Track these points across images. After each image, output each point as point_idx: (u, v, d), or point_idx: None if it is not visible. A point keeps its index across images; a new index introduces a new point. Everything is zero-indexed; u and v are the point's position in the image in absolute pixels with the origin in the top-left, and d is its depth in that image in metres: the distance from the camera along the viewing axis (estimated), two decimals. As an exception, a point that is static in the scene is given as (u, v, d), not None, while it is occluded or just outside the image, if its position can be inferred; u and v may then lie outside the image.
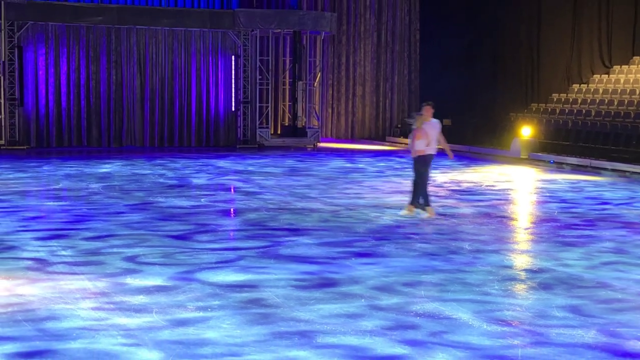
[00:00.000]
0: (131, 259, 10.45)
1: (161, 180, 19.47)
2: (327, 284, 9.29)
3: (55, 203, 15.77)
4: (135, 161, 24.02)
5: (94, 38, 28.81)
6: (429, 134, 14.19)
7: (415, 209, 14.18)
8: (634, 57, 30.13)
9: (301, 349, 6.95)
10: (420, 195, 14.12)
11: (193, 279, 9.40)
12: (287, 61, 31.89)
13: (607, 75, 29.90)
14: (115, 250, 10.99)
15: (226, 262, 10.37)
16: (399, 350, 6.99)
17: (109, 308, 8.13)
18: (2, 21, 27.25)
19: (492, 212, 14.99)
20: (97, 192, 17.10)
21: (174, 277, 9.44)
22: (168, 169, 21.93)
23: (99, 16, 28.40)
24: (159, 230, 12.56)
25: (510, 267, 10.59)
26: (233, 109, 30.13)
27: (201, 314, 7.98)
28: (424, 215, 14.00)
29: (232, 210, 15.38)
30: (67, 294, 8.65)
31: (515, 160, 25.13)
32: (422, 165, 14.15)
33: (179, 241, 11.76)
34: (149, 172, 21.22)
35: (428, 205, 14.10)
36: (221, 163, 23.88)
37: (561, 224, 13.68)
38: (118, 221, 13.39)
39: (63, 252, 10.84)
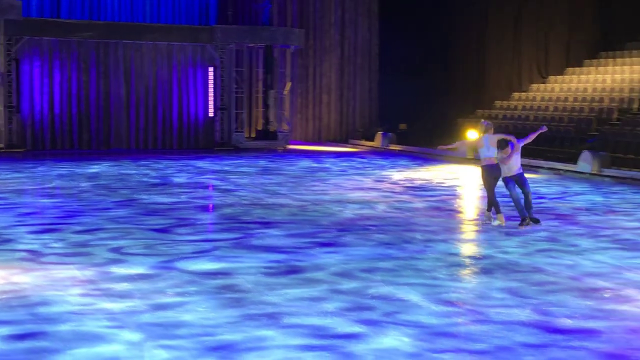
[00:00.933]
0: (116, 250, 10.39)
1: (145, 179, 19.35)
2: (293, 271, 9.29)
3: (49, 200, 15.62)
4: (121, 162, 23.84)
5: (84, 51, 28.57)
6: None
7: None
8: (567, 69, 30.48)
9: (269, 329, 6.95)
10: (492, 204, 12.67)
11: (172, 267, 9.36)
12: (260, 72, 31.78)
13: (544, 85, 30.19)
14: (102, 242, 10.91)
15: (203, 252, 10.34)
16: (357, 329, 7.01)
17: (96, 294, 8.08)
18: (1, 36, 26.94)
19: (442, 206, 15.07)
20: (86, 190, 16.96)
21: (155, 266, 9.40)
22: (152, 169, 21.80)
23: (89, 32, 28.21)
24: (142, 224, 12.48)
25: (456, 254, 10.67)
26: (211, 115, 30.02)
27: (179, 299, 7.95)
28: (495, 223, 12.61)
29: (209, 205, 15.34)
30: (57, 282, 8.58)
31: (463, 160, 25.22)
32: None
33: (161, 234, 11.71)
34: (134, 172, 21.07)
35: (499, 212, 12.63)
36: (200, 163, 23.78)
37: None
38: (105, 216, 13.29)
39: (55, 245, 10.75)
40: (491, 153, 12.58)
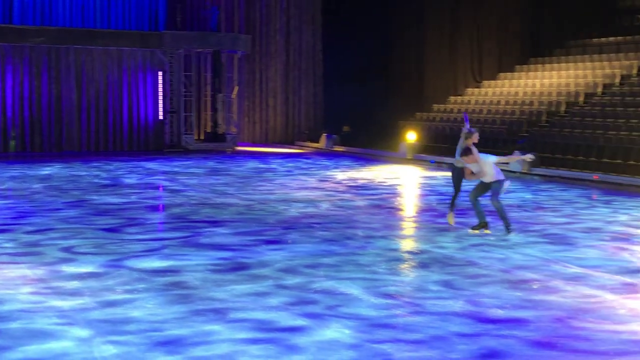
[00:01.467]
0: (67, 249, 10.22)
1: (96, 180, 19.07)
2: (239, 267, 9.26)
3: (1, 201, 15.28)
4: (73, 164, 23.45)
5: (36, 56, 28.06)
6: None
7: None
8: (500, 74, 30.96)
9: (215, 324, 6.91)
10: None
11: (122, 266, 9.24)
12: (208, 76, 31.59)
13: (478, 89, 30.61)
14: (53, 242, 10.72)
15: (152, 250, 10.23)
16: (300, 322, 7.02)
17: (46, 292, 7.93)
18: (-47, 42, 26.32)
19: (382, 204, 15.17)
20: (38, 191, 16.65)
21: (104, 265, 9.27)
22: (102, 171, 21.49)
23: (41, 37, 27.69)
24: (93, 224, 12.30)
25: (395, 249, 10.75)
26: (161, 117, 29.74)
27: (128, 296, 7.86)
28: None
29: (158, 205, 15.18)
30: (8, 281, 8.41)
31: (403, 160, 25.46)
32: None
33: (110, 233, 11.55)
34: (85, 173, 20.75)
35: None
36: (150, 165, 23.52)
37: (438, 213, 13.92)
38: (56, 217, 13.06)
39: (6, 245, 10.53)
40: None
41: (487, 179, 11.57)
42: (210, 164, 24.20)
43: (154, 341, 6.42)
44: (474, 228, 11.77)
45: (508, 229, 11.58)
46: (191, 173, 21.11)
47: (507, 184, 11.65)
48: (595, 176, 19.21)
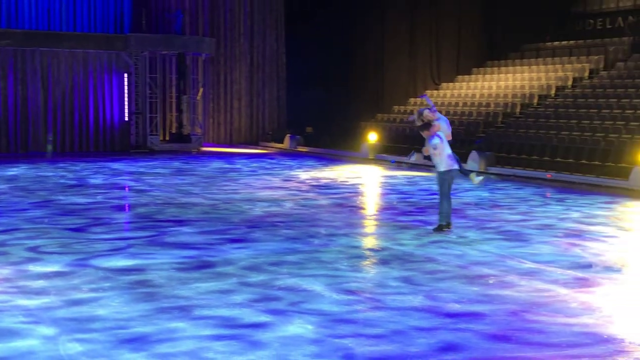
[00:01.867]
0: (33, 249, 10.07)
1: (62, 181, 18.82)
2: (204, 265, 9.21)
3: (-34, 202, 15.02)
4: (39, 165, 23.12)
5: (2, 58, 27.58)
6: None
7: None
8: (458, 77, 31.24)
9: (180, 321, 6.87)
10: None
11: (87, 265, 9.14)
12: (174, 78, 31.36)
13: (437, 91, 30.83)
14: (19, 242, 10.56)
15: (117, 249, 10.14)
16: (264, 318, 7.00)
17: (12, 292, 7.81)
18: None
19: (345, 203, 15.20)
20: (4, 192, 16.38)
21: (70, 264, 9.15)
22: (69, 171, 21.21)
23: (7, 39, 27.26)
24: (59, 224, 12.14)
25: (357, 247, 10.78)
26: (126, 119, 29.45)
27: (94, 294, 7.78)
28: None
29: (124, 205, 15.04)
30: (-27, 281, 8.27)
31: (364, 160, 25.55)
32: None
33: (76, 233, 11.41)
34: (51, 174, 20.46)
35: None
36: (116, 165, 23.28)
37: (399, 211, 14.00)
38: (22, 217, 12.86)
39: (-29, 245, 10.35)
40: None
41: (442, 166, 11.39)
42: (176, 164, 24.04)
43: (120, 339, 6.36)
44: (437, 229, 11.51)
45: (437, 227, 11.44)
46: (157, 173, 20.94)
47: (478, 179, 11.60)
48: (548, 175, 19.48)
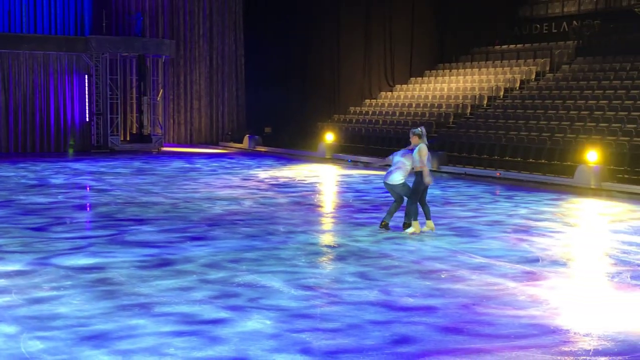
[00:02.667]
0: (-6, 248, 9.88)
1: (24, 181, 18.47)
2: (165, 263, 9.13)
3: None
4: (0, 165, 22.65)
5: (-38, 59, 27.00)
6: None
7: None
8: (411, 79, 31.48)
9: (141, 318, 6.80)
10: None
11: (48, 263, 8.99)
12: (134, 79, 31.00)
13: (391, 93, 31.02)
14: (-21, 241, 10.35)
15: (78, 248, 9.98)
16: (223, 314, 6.97)
17: (-28, 291, 7.65)
18: None
19: (303, 201, 15.20)
20: (-36, 192, 16.03)
21: (31, 263, 8.99)
22: (30, 172, 20.81)
23: (-33, 41, 26.70)
24: (20, 224, 11.91)
25: (315, 244, 10.78)
26: (87, 119, 29.03)
27: (55, 292, 7.65)
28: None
29: (85, 205, 14.82)
30: None
31: (322, 159, 25.58)
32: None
33: (38, 232, 11.21)
34: (13, 174, 20.05)
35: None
36: (77, 165, 22.92)
37: (355, 209, 14.05)
38: (-17, 217, 12.60)
39: None
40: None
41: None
42: (136, 164, 23.76)
43: (81, 336, 6.27)
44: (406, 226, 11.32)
45: (405, 225, 11.37)
46: (117, 173, 20.67)
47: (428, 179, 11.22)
48: (497, 173, 19.74)
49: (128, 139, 30.95)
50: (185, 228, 11.68)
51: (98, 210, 13.70)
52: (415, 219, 11.20)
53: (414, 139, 11.42)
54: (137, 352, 5.92)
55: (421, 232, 11.27)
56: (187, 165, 23.43)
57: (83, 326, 6.53)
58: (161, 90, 30.85)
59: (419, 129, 11.58)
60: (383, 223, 11.52)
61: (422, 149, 11.23)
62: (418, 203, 11.23)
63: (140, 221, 12.30)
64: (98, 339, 6.19)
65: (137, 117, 30.70)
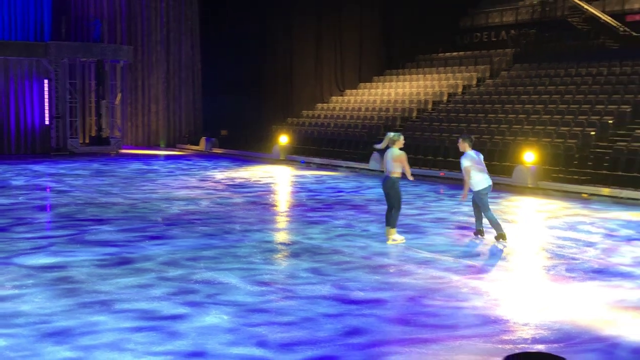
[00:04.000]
0: (-45, 249, 9.63)
1: (-16, 183, 18.04)
2: (124, 262, 9.02)
3: None
4: (-40, 167, 22.09)
5: None
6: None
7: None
8: (360, 84, 31.64)
9: (101, 315, 6.72)
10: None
11: (10, 263, 8.81)
12: (93, 84, 30.48)
13: (341, 97, 31.14)
14: (-60, 242, 10.07)
15: (39, 248, 9.80)
16: (181, 310, 6.93)
17: None
18: None
19: (258, 201, 15.16)
20: None
21: (-7, 263, 8.80)
22: (-10, 174, 20.35)
23: None
24: (-19, 225, 11.64)
25: (270, 241, 10.77)
26: (47, 123, 28.45)
27: (17, 291, 7.50)
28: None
29: (46, 205, 14.53)
30: None
31: (276, 161, 25.53)
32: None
33: (-2, 233, 10.97)
34: (-28, 176, 19.58)
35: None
36: (37, 167, 22.45)
37: (308, 208, 14.07)
38: (-57, 218, 12.27)
39: None
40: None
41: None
42: (95, 165, 23.38)
43: (43, 333, 6.16)
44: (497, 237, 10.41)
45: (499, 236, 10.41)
46: (77, 175, 20.32)
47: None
48: (441, 173, 19.98)
49: (87, 141, 30.42)
50: (143, 227, 11.55)
51: (58, 210, 13.46)
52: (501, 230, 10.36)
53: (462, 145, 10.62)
54: (98, 348, 5.84)
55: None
56: (145, 167, 23.15)
57: (45, 323, 6.43)
58: (119, 94, 30.42)
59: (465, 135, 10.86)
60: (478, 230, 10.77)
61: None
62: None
63: (100, 221, 12.12)
64: (60, 336, 6.10)
65: (96, 121, 30.19)
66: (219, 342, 6.02)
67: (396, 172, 10.55)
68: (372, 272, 8.54)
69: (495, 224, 10.40)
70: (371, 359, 5.68)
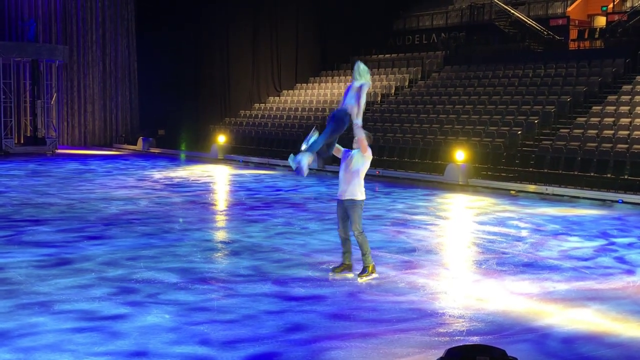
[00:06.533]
0: None
1: None
2: (63, 262, 8.77)
3: None
4: None
5: None
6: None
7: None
8: (297, 84, 31.64)
9: (41, 316, 6.51)
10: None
11: (-57, 266, 8.45)
12: (28, 83, 29.57)
13: (278, 97, 31.08)
14: None
15: (-26, 250, 9.44)
16: (122, 310, 6.77)
17: None
18: None
19: (197, 200, 14.98)
20: None
21: None
22: None
23: None
24: None
25: (210, 240, 10.65)
26: (-20, 123, 27.44)
27: (-49, 294, 7.20)
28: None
29: (-20, 207, 14.00)
30: None
31: (215, 160, 25.30)
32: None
33: None
34: None
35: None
36: (-30, 168, 21.64)
37: (247, 207, 13.98)
38: None
39: None
40: None
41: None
42: (31, 166, 22.67)
43: (-21, 337, 5.93)
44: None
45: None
46: (12, 175, 19.66)
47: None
48: (377, 172, 20.15)
49: (22, 141, 29.49)
50: (82, 228, 11.26)
51: (-7, 212, 12.98)
52: None
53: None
54: (39, 349, 5.66)
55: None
56: (82, 167, 22.58)
57: (-19, 327, 6.18)
58: (55, 94, 29.59)
59: None
60: None
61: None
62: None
63: (37, 222, 11.76)
64: (-3, 339, 5.88)
65: (31, 121, 29.29)
66: (161, 341, 5.91)
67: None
68: (311, 269, 8.53)
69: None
70: (313, 355, 5.67)
